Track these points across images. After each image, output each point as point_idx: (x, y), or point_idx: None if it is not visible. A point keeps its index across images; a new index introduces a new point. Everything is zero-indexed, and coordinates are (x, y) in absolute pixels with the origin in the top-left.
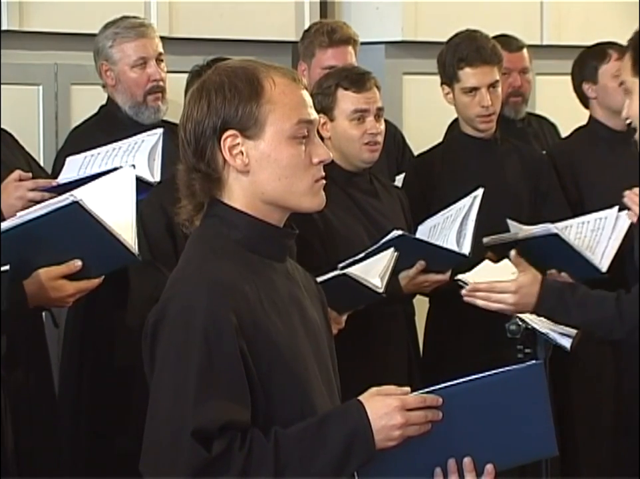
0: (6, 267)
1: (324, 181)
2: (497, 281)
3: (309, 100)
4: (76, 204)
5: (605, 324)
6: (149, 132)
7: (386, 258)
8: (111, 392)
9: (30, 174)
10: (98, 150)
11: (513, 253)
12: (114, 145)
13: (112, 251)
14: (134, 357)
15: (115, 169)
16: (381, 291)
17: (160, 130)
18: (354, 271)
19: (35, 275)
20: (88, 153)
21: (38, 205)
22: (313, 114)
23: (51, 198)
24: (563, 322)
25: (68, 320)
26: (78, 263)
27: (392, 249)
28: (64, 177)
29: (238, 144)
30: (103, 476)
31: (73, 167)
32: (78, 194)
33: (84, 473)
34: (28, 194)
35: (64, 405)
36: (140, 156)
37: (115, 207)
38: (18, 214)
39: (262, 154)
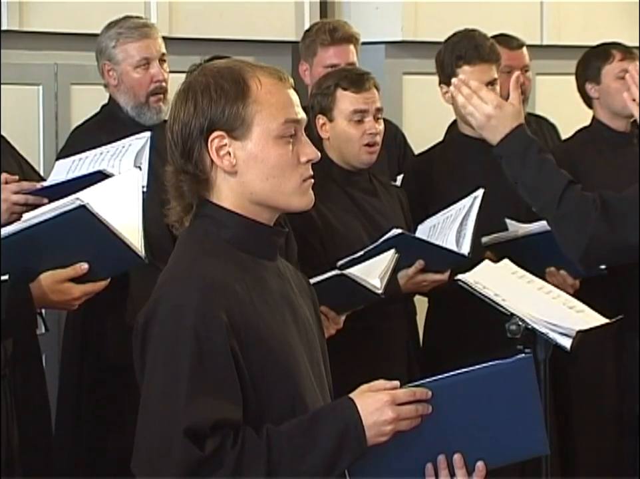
0: (5, 277)
1: (312, 180)
2: (487, 93)
3: (295, 99)
4: (82, 208)
5: (543, 196)
6: (136, 136)
7: (387, 259)
8: (111, 393)
9: (16, 177)
10: (86, 153)
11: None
12: (102, 149)
13: (118, 254)
14: (128, 357)
15: (98, 172)
16: (380, 292)
17: (147, 134)
18: (353, 271)
19: (41, 278)
20: (76, 157)
21: (44, 209)
22: (300, 113)
23: (36, 201)
24: (512, 172)
25: (68, 321)
26: (84, 266)
27: (392, 251)
28: (51, 180)
29: (225, 144)
30: (103, 476)
31: (61, 170)
32: (85, 197)
33: (84, 473)
34: (12, 197)
35: (64, 406)
36: (126, 160)
37: (122, 210)
38: (24, 217)
39: (249, 154)
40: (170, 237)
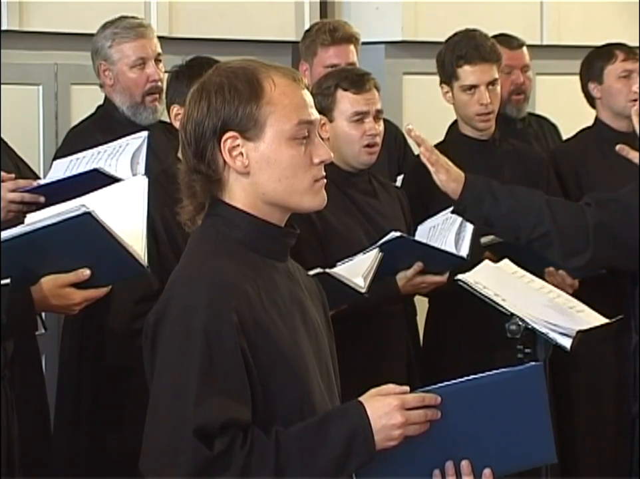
0: (7, 281)
1: (324, 181)
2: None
3: (309, 100)
4: (87, 215)
5: (530, 217)
6: (133, 135)
7: (371, 258)
8: (110, 392)
9: (12, 175)
10: (84, 153)
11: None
12: (99, 148)
13: (121, 262)
14: (124, 357)
15: (94, 170)
16: (364, 290)
17: (144, 133)
18: (337, 270)
19: (42, 282)
20: (74, 156)
21: (49, 213)
22: (314, 114)
23: (32, 199)
24: (485, 214)
25: (66, 321)
26: (86, 272)
27: (376, 250)
28: (48, 178)
29: (238, 145)
30: (102, 476)
31: (59, 170)
32: (90, 203)
33: (83, 473)
34: (8, 195)
35: (63, 406)
36: (123, 159)
37: (126, 216)
38: (28, 221)
39: (262, 155)
40: (152, 238)
